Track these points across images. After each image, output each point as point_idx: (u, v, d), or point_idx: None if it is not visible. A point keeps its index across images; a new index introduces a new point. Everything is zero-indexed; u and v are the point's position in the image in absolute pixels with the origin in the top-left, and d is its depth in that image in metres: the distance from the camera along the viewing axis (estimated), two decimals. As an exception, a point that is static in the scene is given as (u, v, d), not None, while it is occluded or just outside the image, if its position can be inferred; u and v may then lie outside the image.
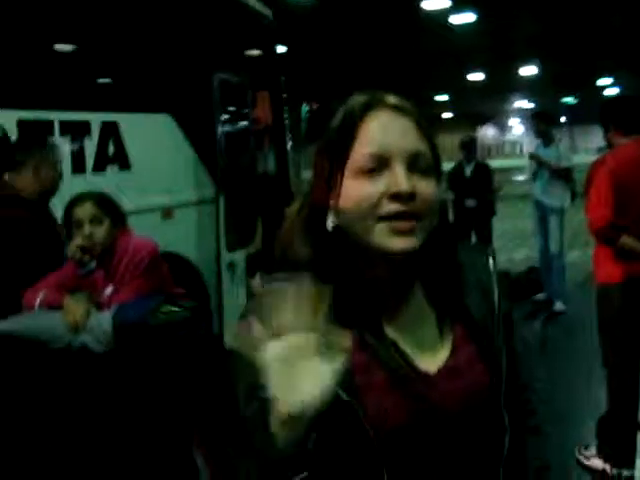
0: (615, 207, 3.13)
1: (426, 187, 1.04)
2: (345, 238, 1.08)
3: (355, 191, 1.04)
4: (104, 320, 2.77)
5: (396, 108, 1.09)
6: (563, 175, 6.68)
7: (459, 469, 1.05)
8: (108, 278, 3.02)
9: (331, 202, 1.08)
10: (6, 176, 3.23)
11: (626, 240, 3.11)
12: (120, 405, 2.74)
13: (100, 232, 2.97)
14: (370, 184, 1.03)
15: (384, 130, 1.06)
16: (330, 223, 1.08)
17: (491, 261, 1.20)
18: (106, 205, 3.03)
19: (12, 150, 3.29)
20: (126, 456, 2.76)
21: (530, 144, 45.56)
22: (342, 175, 1.06)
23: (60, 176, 3.43)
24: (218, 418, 1.09)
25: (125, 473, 2.76)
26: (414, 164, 1.05)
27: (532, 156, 6.89)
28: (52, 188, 3.37)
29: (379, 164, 1.04)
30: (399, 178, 1.02)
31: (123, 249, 3.00)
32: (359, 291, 1.08)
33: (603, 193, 3.16)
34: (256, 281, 2.83)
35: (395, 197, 1.01)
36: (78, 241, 2.95)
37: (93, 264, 3.02)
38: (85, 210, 2.96)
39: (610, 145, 3.39)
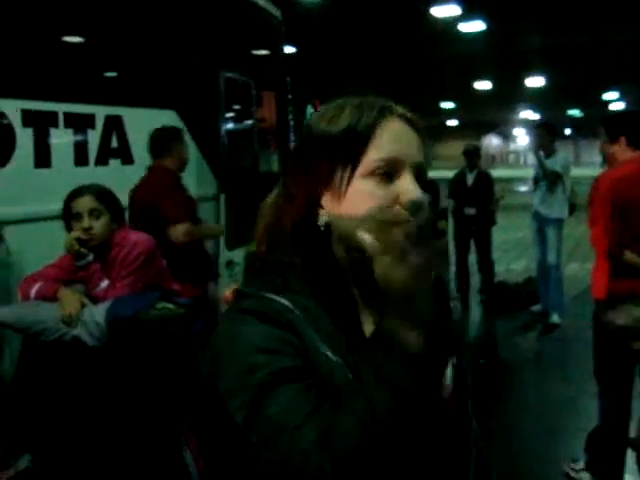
0: (619, 222, 3.13)
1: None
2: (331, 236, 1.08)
3: (364, 194, 1.03)
4: (98, 314, 2.78)
5: (406, 118, 1.09)
6: (553, 181, 6.66)
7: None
8: (104, 272, 3.04)
9: (325, 200, 1.08)
10: (164, 160, 4.11)
11: (629, 256, 3.11)
12: (110, 398, 2.74)
13: (98, 226, 2.98)
14: (380, 189, 1.03)
15: (398, 138, 1.06)
16: (323, 220, 1.08)
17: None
18: (106, 199, 3.05)
19: (164, 140, 4.15)
20: (115, 450, 2.76)
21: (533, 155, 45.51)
22: (350, 176, 1.05)
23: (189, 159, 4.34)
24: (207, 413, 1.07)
25: (114, 467, 2.76)
26: (419, 176, 1.06)
27: (540, 161, 6.84)
28: (184, 167, 4.26)
29: (390, 171, 1.04)
30: (412, 186, 1.03)
31: (120, 244, 3.02)
32: (346, 290, 1.09)
33: (609, 208, 3.16)
34: None
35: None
36: (76, 233, 2.97)
37: (90, 257, 3.04)
38: (85, 203, 2.98)
39: (605, 156, 3.39)
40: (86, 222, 2.95)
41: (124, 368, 2.75)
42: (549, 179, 6.64)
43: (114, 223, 3.04)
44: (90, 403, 2.75)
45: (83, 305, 2.87)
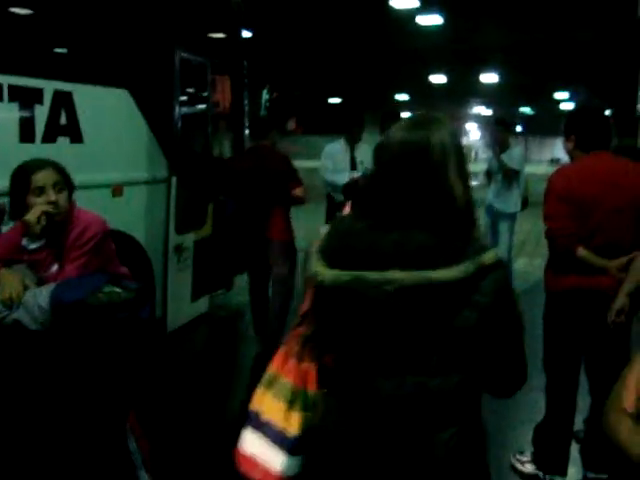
0: (572, 219, 3.15)
1: None
2: None
3: None
4: (42, 297, 2.65)
5: None
6: (510, 176, 6.75)
7: None
8: (56, 255, 2.89)
9: None
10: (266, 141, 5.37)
11: (583, 252, 3.13)
12: (52, 385, 2.64)
13: (62, 199, 2.83)
14: None
15: None
16: None
17: None
18: (64, 173, 2.91)
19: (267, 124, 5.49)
20: (56, 437, 2.66)
21: (486, 150, 46.20)
22: None
23: None
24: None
25: (55, 456, 2.66)
26: None
27: (499, 161, 6.89)
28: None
29: None
30: None
31: (73, 223, 2.88)
32: None
33: (564, 204, 3.17)
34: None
35: None
36: (43, 207, 2.78)
37: (43, 241, 2.88)
38: (49, 176, 2.81)
39: (571, 156, 3.40)
40: (52, 195, 2.79)
41: (68, 354, 2.64)
42: (508, 176, 6.71)
43: (71, 199, 2.91)
44: (31, 389, 2.64)
45: (26, 287, 2.74)
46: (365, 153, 6.30)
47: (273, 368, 1.82)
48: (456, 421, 1.62)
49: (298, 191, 5.19)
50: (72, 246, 2.85)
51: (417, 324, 1.55)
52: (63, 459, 2.67)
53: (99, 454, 2.75)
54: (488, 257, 1.55)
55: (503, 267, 1.63)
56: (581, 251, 3.14)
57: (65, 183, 2.87)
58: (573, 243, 3.15)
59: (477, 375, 1.65)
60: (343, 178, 5.72)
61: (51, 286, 2.70)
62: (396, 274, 1.51)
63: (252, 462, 1.76)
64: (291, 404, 1.74)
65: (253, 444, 1.77)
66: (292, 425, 1.73)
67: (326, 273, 1.58)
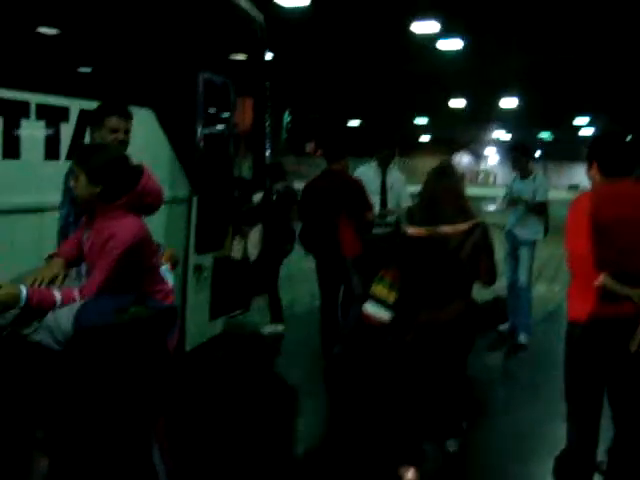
0: (596, 245, 3.11)
1: None
2: None
3: None
4: (65, 319, 2.61)
5: None
6: (537, 210, 6.69)
7: None
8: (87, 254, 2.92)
9: None
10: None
11: (605, 280, 3.09)
12: (76, 403, 2.63)
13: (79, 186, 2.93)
14: None
15: None
16: None
17: None
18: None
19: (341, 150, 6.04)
20: (79, 455, 2.65)
21: (504, 175, 46.02)
22: None
23: None
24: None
25: (81, 472, 2.66)
26: None
27: (513, 199, 6.84)
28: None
29: None
30: None
31: (104, 227, 2.85)
32: None
33: (585, 230, 3.14)
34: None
35: None
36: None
37: (89, 231, 2.94)
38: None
39: (593, 182, 3.37)
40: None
41: (90, 371, 2.62)
42: (536, 210, 6.64)
43: (94, 186, 2.86)
44: (56, 409, 2.63)
45: (52, 280, 2.81)
46: (396, 178, 6.33)
47: (381, 273, 4.00)
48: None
49: (369, 215, 5.74)
50: (98, 253, 2.81)
51: (447, 252, 3.82)
52: (87, 469, 2.67)
53: (121, 464, 2.72)
54: (477, 219, 3.89)
55: (483, 223, 3.91)
56: (603, 278, 3.10)
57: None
58: (595, 270, 3.10)
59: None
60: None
61: (74, 308, 2.65)
62: (444, 228, 3.82)
63: (370, 317, 4.02)
64: (390, 287, 3.97)
65: (371, 308, 4.00)
66: (389, 298, 3.96)
67: (410, 228, 3.94)
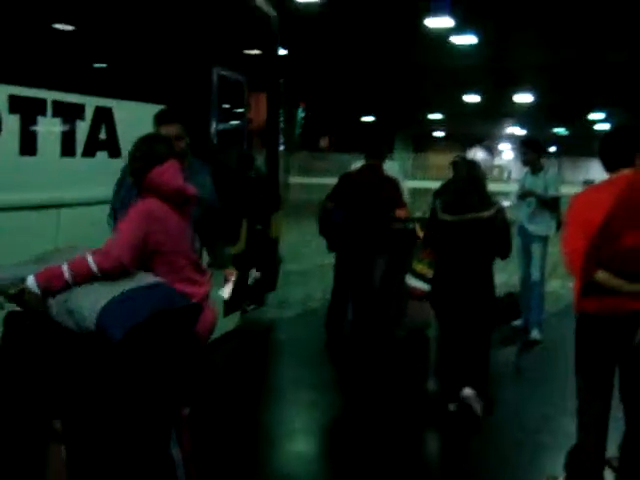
0: (590, 242, 3.11)
1: None
2: None
3: None
4: (85, 311, 2.63)
5: None
6: (550, 205, 6.67)
7: None
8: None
9: None
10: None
11: (601, 276, 3.10)
12: (96, 395, 2.67)
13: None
14: None
15: None
16: None
17: None
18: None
19: (382, 147, 6.18)
20: (96, 446, 2.69)
21: (519, 170, 45.76)
22: None
23: None
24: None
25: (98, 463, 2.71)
26: None
27: (524, 193, 6.83)
28: None
29: None
30: None
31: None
32: None
33: (580, 226, 3.15)
34: None
35: None
36: None
37: None
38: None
39: None
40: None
41: (114, 363, 2.66)
42: (549, 205, 6.63)
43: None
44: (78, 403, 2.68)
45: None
46: (390, 169, 6.38)
47: (422, 255, 5.56)
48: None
49: (402, 212, 6.02)
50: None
51: (475, 235, 4.60)
52: (103, 457, 2.72)
53: (138, 452, 2.76)
54: (500, 206, 4.69)
55: (503, 209, 4.71)
56: (600, 274, 3.10)
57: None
58: (592, 266, 3.10)
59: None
60: None
61: (99, 306, 2.65)
62: (468, 215, 4.59)
63: (415, 289, 5.58)
64: (429, 265, 5.25)
65: (414, 282, 5.57)
66: (428, 274, 5.20)
67: (445, 216, 4.67)
